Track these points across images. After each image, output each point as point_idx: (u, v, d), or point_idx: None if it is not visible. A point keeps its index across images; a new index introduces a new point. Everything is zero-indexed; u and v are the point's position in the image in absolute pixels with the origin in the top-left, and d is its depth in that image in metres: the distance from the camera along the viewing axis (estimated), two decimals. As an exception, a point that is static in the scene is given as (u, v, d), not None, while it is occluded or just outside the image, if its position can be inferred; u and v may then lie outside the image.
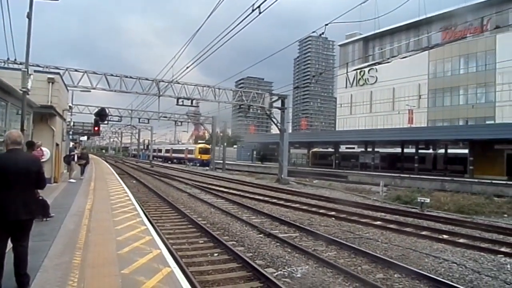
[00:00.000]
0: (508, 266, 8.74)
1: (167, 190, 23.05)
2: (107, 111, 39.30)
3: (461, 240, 11.26)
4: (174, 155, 73.16)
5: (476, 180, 28.05)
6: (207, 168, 50.00)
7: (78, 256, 5.84)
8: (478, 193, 22.73)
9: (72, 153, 19.39)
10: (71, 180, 17.93)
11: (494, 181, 26.57)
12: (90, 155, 31.32)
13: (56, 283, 4.68)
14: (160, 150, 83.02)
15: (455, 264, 8.70)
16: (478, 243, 11.01)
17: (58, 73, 19.24)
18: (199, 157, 60.16)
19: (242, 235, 11.10)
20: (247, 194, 21.31)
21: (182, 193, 21.53)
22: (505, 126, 32.36)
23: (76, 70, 26.01)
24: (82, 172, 20.50)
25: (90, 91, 27.68)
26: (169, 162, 70.09)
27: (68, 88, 24.55)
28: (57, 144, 17.95)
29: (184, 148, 71.16)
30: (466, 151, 34.12)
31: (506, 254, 9.75)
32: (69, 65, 34.77)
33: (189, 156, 64.62)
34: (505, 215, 16.72)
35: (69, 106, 27.03)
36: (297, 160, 62.95)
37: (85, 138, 51.21)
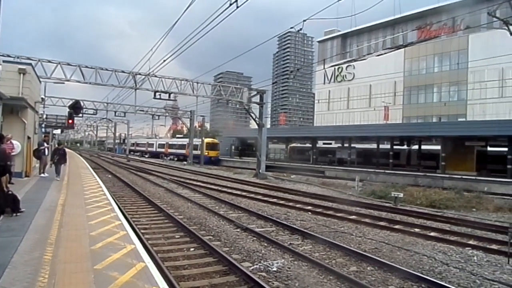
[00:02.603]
0: (475, 258, 9.09)
1: (144, 184, 22.77)
2: (81, 103, 38.37)
3: (432, 234, 11.63)
4: (171, 150, 62.67)
5: (447, 176, 28.93)
6: (185, 162, 49.58)
7: (50, 252, 5.72)
8: (449, 188, 23.40)
9: (42, 147, 18.41)
10: (43, 175, 17.43)
11: (464, 177, 27.46)
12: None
13: (25, 279, 4.57)
14: (150, 145, 73.47)
15: (425, 257, 8.99)
16: (448, 236, 11.41)
17: (30, 64, 18.57)
18: (205, 153, 51.60)
19: (218, 229, 11.11)
20: (224, 189, 21.30)
21: (159, 187, 21.32)
22: (476, 124, 33.50)
23: (49, 61, 25.24)
24: (57, 172, 16.98)
25: (64, 83, 27.01)
26: (146, 156, 68.00)
27: (41, 79, 23.80)
28: (28, 137, 17.40)
29: (185, 143, 58.04)
30: (438, 147, 35.09)
31: (473, 247, 10.14)
32: (42, 56, 33.76)
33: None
34: (474, 209, 17.33)
35: (42, 98, 26.25)
36: (275, 155, 63.19)
37: (58, 131, 49.88)
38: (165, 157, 60.46)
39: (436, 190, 21.12)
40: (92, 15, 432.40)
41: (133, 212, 13.22)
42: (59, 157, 17.26)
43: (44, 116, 34.62)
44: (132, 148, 78.52)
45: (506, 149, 29.61)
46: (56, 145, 20.60)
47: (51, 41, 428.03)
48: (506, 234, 9.18)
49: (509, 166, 27.69)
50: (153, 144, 72.44)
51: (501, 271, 8.17)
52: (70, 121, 29.43)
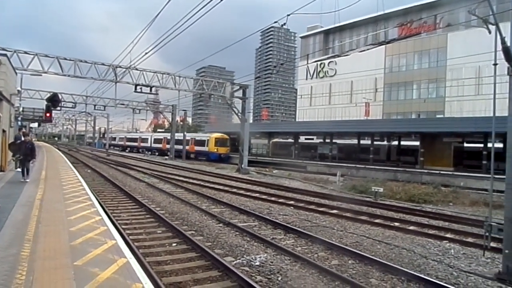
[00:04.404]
0: (452, 251, 9.34)
1: (124, 179, 22.44)
2: (60, 96, 37.45)
3: (411, 227, 11.89)
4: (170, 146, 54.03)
5: (425, 171, 29.57)
6: (167, 157, 49.07)
7: (27, 248, 5.58)
8: (427, 183, 23.96)
9: (18, 141, 17.73)
10: (19, 169, 16.94)
11: (442, 172, 28.14)
12: (41, 144, 28.49)
13: (1, 277, 4.44)
14: (144, 140, 66.10)
15: (405, 250, 9.18)
16: (426, 230, 11.68)
17: (5, 55, 18.04)
18: (215, 150, 46.93)
19: (201, 224, 11.06)
20: (207, 184, 21.21)
21: (140, 182, 21.06)
22: (453, 120, 34.26)
23: (25, 52, 24.50)
24: (23, 172, 13.80)
25: (41, 75, 26.28)
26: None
27: (17, 71, 23.12)
28: (3, 131, 16.90)
29: (188, 138, 52.10)
30: (417, 143, 35.80)
31: (450, 240, 10.42)
32: (18, 47, 32.69)
33: (198, 148, 50.28)
34: (451, 204, 17.79)
35: (18, 90, 25.46)
36: (257, 150, 63.22)
37: (35, 124, 48.62)
38: (147, 152, 59.31)
39: (415, 185, 21.58)
40: (70, 6, 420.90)
41: (113, 207, 13.01)
42: (26, 153, 13.86)
43: (21, 109, 33.70)
44: (121, 143, 75.04)
45: (481, 145, 30.47)
46: (21, 137, 16.38)
47: (28, 32, 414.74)
48: (481, 228, 9.42)
49: (484, 162, 28.49)
50: (147, 139, 65.17)
51: (476, 263, 8.42)
52: (48, 114, 28.66)
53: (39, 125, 59.34)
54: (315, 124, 49.79)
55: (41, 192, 10.94)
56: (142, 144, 65.50)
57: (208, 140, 48.89)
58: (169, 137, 55.38)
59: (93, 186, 16.68)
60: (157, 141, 61.02)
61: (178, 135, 52.99)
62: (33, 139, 28.92)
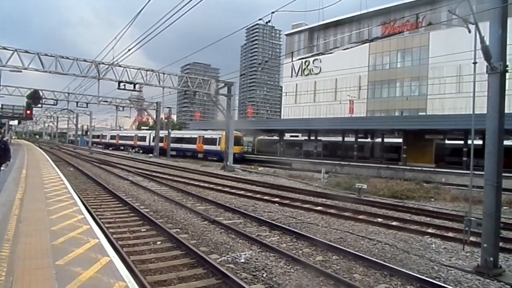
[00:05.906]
0: (433, 245, 9.54)
1: (108, 177, 22.15)
2: (41, 93, 36.74)
3: (394, 223, 12.09)
4: (174, 145, 50.48)
5: (408, 167, 30.06)
6: (151, 155, 48.56)
7: (7, 248, 5.46)
8: (410, 179, 24.31)
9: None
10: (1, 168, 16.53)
11: (424, 168, 28.66)
12: (21, 142, 27.92)
13: (-20, 278, 4.34)
14: (141, 138, 61.12)
15: (387, 245, 9.33)
16: (408, 225, 11.91)
17: (-17, 50, 17.55)
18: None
19: (186, 222, 11.01)
20: (192, 181, 21.12)
21: (124, 180, 20.82)
22: (435, 118, 34.90)
23: (4, 48, 23.90)
24: None
25: (21, 72, 25.65)
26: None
27: (-5, 67, 22.56)
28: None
29: (195, 136, 48.36)
30: (400, 140, 36.34)
31: (431, 235, 10.65)
32: (-4, 42, 31.82)
33: (207, 147, 45.88)
34: (432, 199, 18.15)
35: (-4, 87, 24.89)
36: (242, 147, 63.07)
37: (15, 122, 47.53)
38: (131, 150, 58.49)
39: (397, 181, 21.89)
40: (52, 1, 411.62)
41: (96, 206, 12.85)
42: None
43: (-1, 106, 32.93)
44: (112, 141, 71.39)
45: (462, 142, 31.12)
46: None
47: (7, 27, 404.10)
48: (461, 223, 9.66)
49: (464, 158, 29.12)
50: (145, 137, 59.98)
51: (456, 257, 8.63)
52: (28, 111, 28.17)
53: (19, 122, 58.10)
54: (300, 121, 50.03)
55: (21, 191, 10.72)
56: (139, 143, 60.69)
57: (219, 138, 43.56)
58: (172, 135, 51.93)
59: (75, 185, 16.41)
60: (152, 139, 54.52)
61: (190, 133, 51.00)
62: (13, 137, 28.24)
